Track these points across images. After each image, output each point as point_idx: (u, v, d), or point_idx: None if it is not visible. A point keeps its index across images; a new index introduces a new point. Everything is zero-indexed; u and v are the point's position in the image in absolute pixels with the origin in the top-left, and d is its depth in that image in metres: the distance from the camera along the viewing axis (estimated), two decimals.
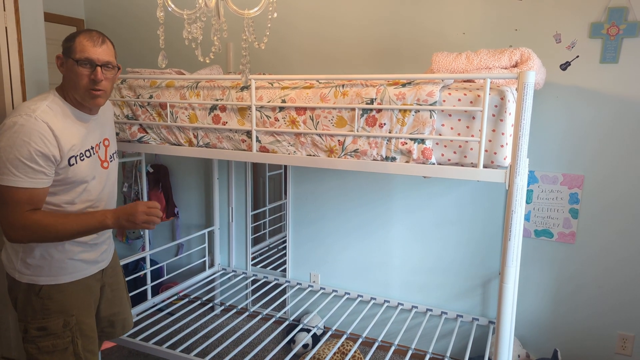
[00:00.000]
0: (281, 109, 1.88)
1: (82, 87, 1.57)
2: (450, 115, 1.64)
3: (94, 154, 1.68)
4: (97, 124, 1.72)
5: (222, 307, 2.82)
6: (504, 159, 1.61)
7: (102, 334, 1.94)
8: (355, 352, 2.52)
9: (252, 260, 3.19)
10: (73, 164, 1.58)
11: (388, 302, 2.76)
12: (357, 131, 1.76)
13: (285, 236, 3.02)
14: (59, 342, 1.63)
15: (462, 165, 1.68)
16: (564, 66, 2.26)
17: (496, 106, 1.58)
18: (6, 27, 2.19)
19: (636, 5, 2.10)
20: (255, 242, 3.25)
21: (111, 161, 1.80)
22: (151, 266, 2.90)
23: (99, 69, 1.56)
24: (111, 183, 1.80)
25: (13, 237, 1.51)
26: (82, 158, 1.62)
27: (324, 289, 2.92)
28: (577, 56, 2.23)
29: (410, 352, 2.22)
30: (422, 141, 1.67)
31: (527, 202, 2.42)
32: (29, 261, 1.61)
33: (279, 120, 1.89)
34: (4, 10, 2.18)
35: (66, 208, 1.61)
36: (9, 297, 1.69)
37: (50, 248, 1.62)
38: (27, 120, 1.47)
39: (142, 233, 3.10)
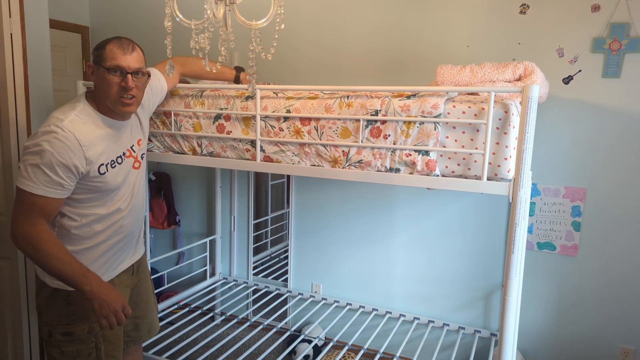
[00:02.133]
0: (286, 119, 1.88)
1: (113, 95, 1.58)
2: (454, 127, 1.65)
3: (125, 159, 1.70)
4: (129, 127, 1.73)
5: (223, 317, 2.80)
6: (508, 171, 1.62)
7: (128, 338, 1.94)
8: None
9: (253, 270, 3.18)
10: (104, 172, 1.60)
11: (390, 313, 2.75)
12: (362, 142, 1.76)
13: (287, 246, 3.02)
14: (83, 348, 1.65)
15: (465, 178, 1.69)
16: (567, 80, 2.28)
17: (500, 119, 1.59)
18: (11, 34, 2.21)
19: (638, 21, 2.13)
20: (257, 251, 3.24)
21: (142, 159, 1.81)
22: (152, 275, 2.89)
23: (129, 76, 1.57)
24: (141, 184, 1.82)
25: (15, 236, 1.52)
26: (113, 165, 1.64)
27: (325, 299, 2.91)
28: (580, 70, 2.25)
29: None
30: (427, 153, 1.68)
31: (529, 215, 2.42)
32: None
33: (283, 130, 1.89)
34: (10, 16, 2.20)
35: (95, 211, 1.63)
36: (36, 301, 1.71)
37: (83, 254, 1.64)
38: (55, 130, 1.49)
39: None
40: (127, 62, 1.57)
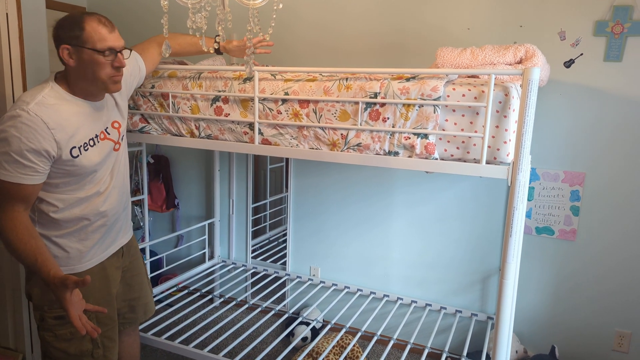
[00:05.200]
0: (284, 101, 1.87)
1: (105, 75, 1.54)
2: (454, 110, 1.64)
3: (99, 141, 1.66)
4: (103, 108, 1.69)
5: (222, 299, 2.82)
6: (507, 155, 1.61)
7: (125, 320, 1.95)
8: (354, 345, 2.52)
9: (252, 253, 3.19)
10: (77, 155, 1.56)
11: (387, 296, 2.77)
12: (360, 125, 1.75)
13: (286, 229, 3.02)
14: (76, 330, 1.63)
15: (464, 161, 1.68)
16: (568, 64, 2.26)
17: (500, 102, 1.57)
18: (7, 14, 2.18)
19: None
20: (256, 234, 3.24)
21: (122, 141, 1.78)
22: (151, 257, 2.90)
23: (120, 55, 1.54)
24: (121, 165, 1.79)
25: None
26: (86, 148, 1.60)
27: (323, 282, 2.93)
28: (581, 54, 2.23)
29: (408, 347, 2.23)
30: (426, 136, 1.67)
31: (528, 199, 2.42)
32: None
33: (281, 113, 1.88)
34: None
35: (73, 195, 1.61)
36: (26, 287, 1.69)
37: (68, 239, 1.63)
38: (20, 114, 1.45)
39: (142, 224, 3.10)
40: (116, 41, 1.53)
